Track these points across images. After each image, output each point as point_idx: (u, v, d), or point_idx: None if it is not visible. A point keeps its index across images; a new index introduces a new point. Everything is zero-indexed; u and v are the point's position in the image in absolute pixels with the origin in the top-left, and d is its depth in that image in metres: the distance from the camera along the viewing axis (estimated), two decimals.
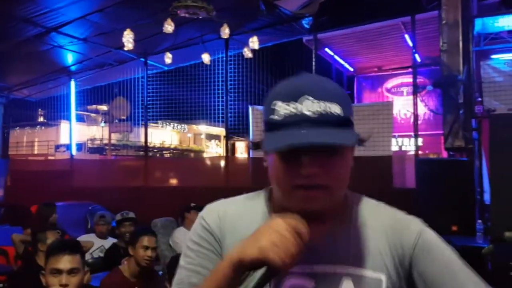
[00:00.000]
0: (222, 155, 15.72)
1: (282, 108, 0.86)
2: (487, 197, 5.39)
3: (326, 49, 10.07)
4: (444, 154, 7.82)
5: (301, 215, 0.86)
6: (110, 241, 4.91)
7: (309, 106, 0.85)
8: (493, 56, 6.56)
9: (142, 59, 9.20)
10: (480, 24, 6.44)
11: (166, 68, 9.44)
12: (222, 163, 8.92)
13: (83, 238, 4.85)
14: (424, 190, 5.61)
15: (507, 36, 6.80)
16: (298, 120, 0.85)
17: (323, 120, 0.85)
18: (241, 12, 6.98)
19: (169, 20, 6.08)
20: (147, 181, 8.88)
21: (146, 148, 10.17)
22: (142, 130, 10.86)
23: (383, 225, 0.96)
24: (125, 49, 7.00)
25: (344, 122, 0.87)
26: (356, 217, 0.97)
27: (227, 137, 9.28)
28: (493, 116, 5.43)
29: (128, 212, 4.94)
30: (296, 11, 6.81)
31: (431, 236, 0.95)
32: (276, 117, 0.87)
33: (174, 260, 3.16)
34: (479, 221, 5.18)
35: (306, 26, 7.38)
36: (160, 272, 3.75)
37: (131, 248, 3.21)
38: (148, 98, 9.62)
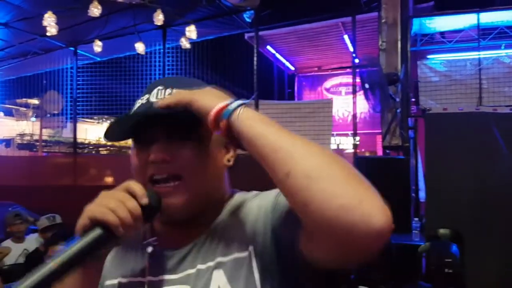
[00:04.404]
0: None
1: (136, 104, 0.86)
2: (422, 195, 5.47)
3: (268, 47, 9.96)
4: (379, 152, 7.96)
5: (168, 224, 0.87)
6: (31, 242, 4.43)
7: (157, 94, 0.84)
8: (429, 56, 6.73)
9: (72, 48, 8.56)
10: (417, 25, 6.60)
11: (98, 59, 8.85)
12: None
13: None
14: None
15: (441, 37, 7.02)
16: (144, 108, 0.83)
17: None
18: (180, 1, 6.63)
19: (95, 3, 5.60)
20: (77, 180, 8.28)
21: (75, 144, 9.55)
22: (77, 125, 10.19)
23: (250, 205, 0.89)
24: (48, 34, 6.40)
25: None
26: (225, 213, 0.90)
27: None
28: (429, 115, 5.51)
29: (54, 215, 4.45)
30: (237, 4, 6.58)
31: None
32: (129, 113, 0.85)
33: None
34: (415, 219, 5.23)
35: (248, 20, 7.18)
36: None
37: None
38: (81, 91, 9.02)
